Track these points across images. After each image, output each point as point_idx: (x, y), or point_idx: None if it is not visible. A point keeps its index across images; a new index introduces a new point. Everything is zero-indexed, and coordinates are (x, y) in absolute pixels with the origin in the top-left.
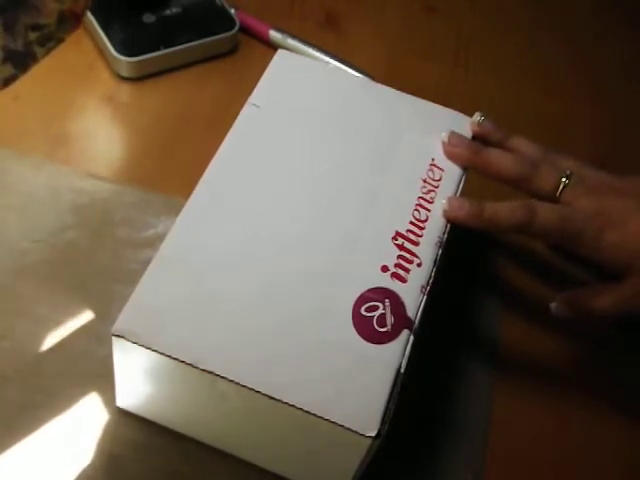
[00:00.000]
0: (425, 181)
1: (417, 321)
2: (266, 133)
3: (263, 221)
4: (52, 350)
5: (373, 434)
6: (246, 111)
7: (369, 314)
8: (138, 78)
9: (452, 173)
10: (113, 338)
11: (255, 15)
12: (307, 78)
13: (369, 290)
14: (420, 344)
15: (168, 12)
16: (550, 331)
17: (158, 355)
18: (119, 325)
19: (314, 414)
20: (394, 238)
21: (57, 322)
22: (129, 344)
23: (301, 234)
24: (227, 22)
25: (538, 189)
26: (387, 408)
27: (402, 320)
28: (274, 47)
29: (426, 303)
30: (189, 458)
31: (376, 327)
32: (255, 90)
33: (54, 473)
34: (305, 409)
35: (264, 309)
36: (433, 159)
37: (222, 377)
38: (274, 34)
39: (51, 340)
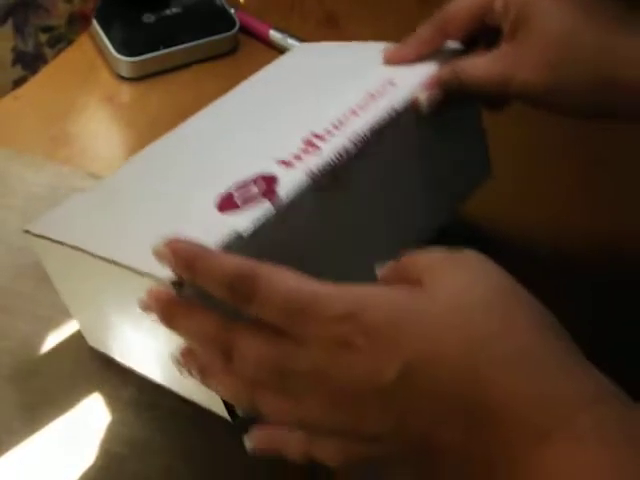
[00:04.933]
0: (371, 94)
1: (286, 196)
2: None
3: (181, 144)
4: (52, 350)
5: (170, 278)
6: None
7: (236, 192)
8: (138, 78)
9: (405, 88)
10: (28, 238)
11: (255, 15)
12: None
13: (255, 175)
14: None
15: (168, 12)
16: None
17: (55, 245)
18: (31, 225)
19: (125, 265)
20: (307, 136)
21: (57, 322)
22: (37, 241)
23: (213, 134)
24: (227, 22)
25: None
26: None
27: (267, 193)
28: (274, 47)
29: (313, 186)
30: (189, 458)
31: (236, 201)
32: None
33: (54, 472)
34: (121, 262)
35: (155, 201)
36: (392, 80)
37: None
38: (274, 34)
39: (51, 340)
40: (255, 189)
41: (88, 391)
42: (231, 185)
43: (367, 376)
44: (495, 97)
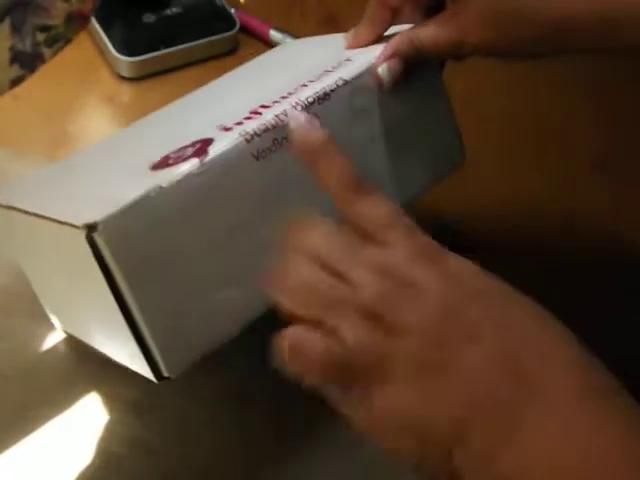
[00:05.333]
0: (326, 70)
1: (214, 154)
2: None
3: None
4: (52, 350)
5: (88, 223)
6: None
7: (174, 155)
8: (138, 78)
9: (359, 62)
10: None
11: (255, 15)
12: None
13: (194, 141)
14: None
15: (168, 12)
16: None
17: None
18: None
19: (42, 215)
20: (254, 108)
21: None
22: None
23: (172, 115)
24: (227, 22)
25: None
26: (122, 210)
27: (198, 152)
28: (274, 47)
29: (247, 147)
30: (187, 457)
31: (170, 162)
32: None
33: (53, 472)
34: (38, 213)
35: (94, 163)
36: (349, 57)
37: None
38: (274, 34)
39: (51, 340)
40: (190, 151)
41: (87, 391)
42: (171, 150)
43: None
44: (451, 57)
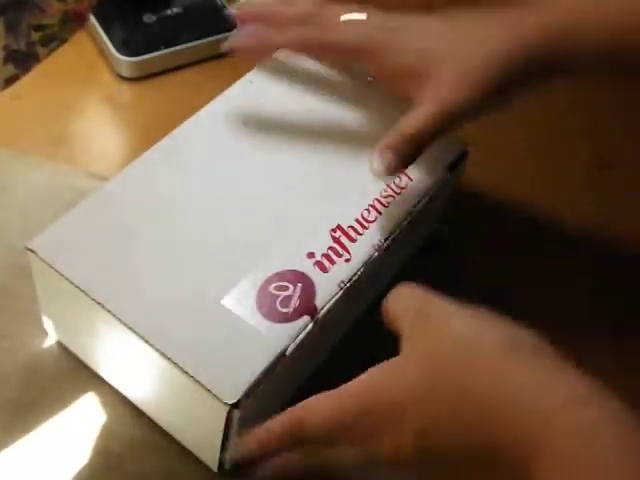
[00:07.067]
0: (389, 186)
1: (323, 312)
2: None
3: (206, 186)
4: (51, 350)
5: (231, 402)
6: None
7: (276, 292)
8: (139, 78)
9: (419, 185)
10: (27, 253)
11: None
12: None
13: (287, 271)
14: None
15: (169, 12)
16: None
17: (59, 277)
18: (36, 241)
19: (180, 367)
20: (333, 230)
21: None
22: (40, 263)
23: (241, 206)
24: (228, 22)
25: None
26: (256, 383)
27: (307, 306)
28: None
29: (343, 298)
30: (186, 457)
31: (278, 306)
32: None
33: (53, 472)
34: (172, 359)
35: (175, 263)
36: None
37: (104, 307)
38: None
39: (50, 340)
40: (292, 291)
41: (87, 391)
42: (260, 277)
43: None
44: (452, 130)
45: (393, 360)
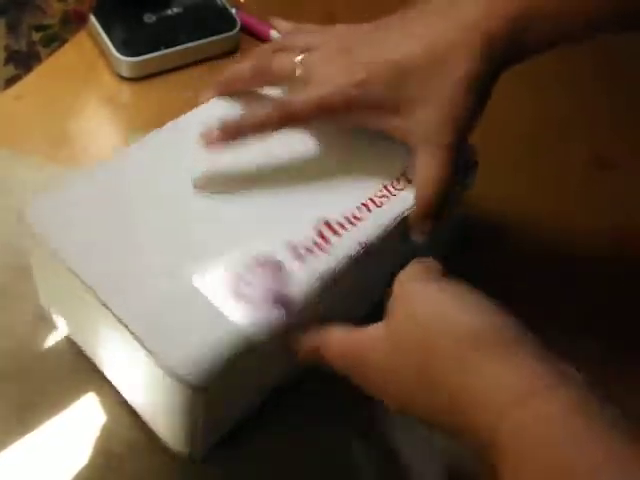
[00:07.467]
0: (386, 187)
1: (297, 303)
2: None
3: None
4: (52, 350)
5: (199, 385)
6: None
7: (251, 278)
8: (139, 78)
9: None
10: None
11: (256, 15)
12: None
13: (263, 258)
14: None
15: (169, 12)
16: None
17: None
18: (32, 210)
19: (146, 347)
20: (318, 223)
21: (56, 322)
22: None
23: (231, 193)
24: (228, 22)
25: (279, 78)
26: (224, 368)
27: (280, 296)
28: None
29: (320, 292)
30: (188, 458)
31: (251, 292)
32: None
33: (53, 472)
34: (137, 335)
35: (155, 245)
36: (405, 171)
37: (79, 277)
38: (275, 34)
39: (51, 340)
40: (263, 277)
41: (87, 390)
42: (238, 264)
43: None
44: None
45: (371, 332)
